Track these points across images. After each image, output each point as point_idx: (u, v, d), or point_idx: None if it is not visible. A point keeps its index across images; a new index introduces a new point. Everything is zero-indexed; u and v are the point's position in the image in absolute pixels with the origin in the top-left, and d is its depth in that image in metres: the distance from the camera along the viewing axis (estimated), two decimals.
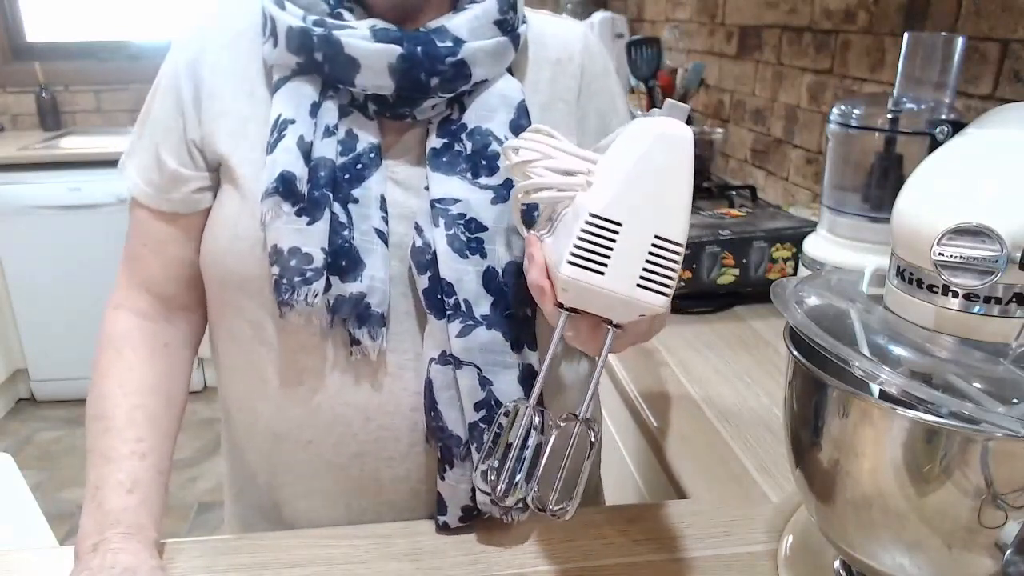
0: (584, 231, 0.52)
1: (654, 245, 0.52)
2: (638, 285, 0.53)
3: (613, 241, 0.52)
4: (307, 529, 0.73)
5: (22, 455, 2.57)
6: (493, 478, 0.57)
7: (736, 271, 1.24)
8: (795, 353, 0.56)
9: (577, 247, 0.52)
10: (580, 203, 0.54)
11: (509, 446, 0.57)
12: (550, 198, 0.59)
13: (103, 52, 3.11)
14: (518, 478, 0.57)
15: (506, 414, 0.60)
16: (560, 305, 0.56)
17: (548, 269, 0.56)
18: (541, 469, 0.56)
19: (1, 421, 2.79)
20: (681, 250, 0.53)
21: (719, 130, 1.97)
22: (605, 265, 0.52)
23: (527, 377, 0.68)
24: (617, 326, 0.56)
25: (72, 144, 2.84)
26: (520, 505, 0.69)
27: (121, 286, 0.76)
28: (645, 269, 0.52)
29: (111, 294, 0.77)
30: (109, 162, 2.61)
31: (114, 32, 3.13)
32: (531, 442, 0.57)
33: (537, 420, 0.58)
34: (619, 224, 0.52)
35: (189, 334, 0.78)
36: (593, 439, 0.58)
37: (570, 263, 0.52)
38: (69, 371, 2.81)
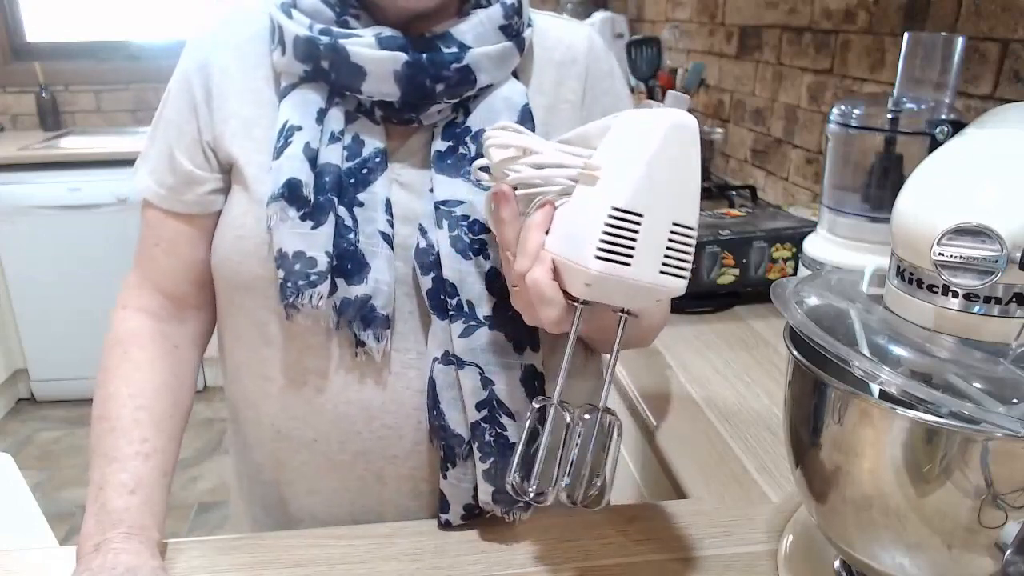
0: (609, 225, 0.52)
1: (672, 232, 0.54)
2: (661, 272, 0.54)
3: (636, 232, 0.53)
4: (307, 529, 0.73)
5: (22, 455, 2.57)
6: (518, 480, 0.57)
7: (736, 271, 1.24)
8: (795, 353, 0.56)
9: (604, 241, 0.52)
10: (592, 198, 0.54)
11: (537, 447, 0.58)
12: (524, 195, 0.59)
13: (103, 52, 3.11)
14: (554, 478, 0.57)
15: (538, 418, 0.59)
16: (574, 300, 0.57)
17: (556, 268, 0.56)
18: (572, 463, 0.57)
19: (1, 421, 2.79)
20: (695, 233, 0.55)
21: (719, 130, 1.97)
22: (631, 256, 0.53)
23: (529, 378, 0.68)
24: (630, 313, 0.58)
25: (72, 144, 2.83)
26: (522, 504, 0.69)
27: (132, 286, 0.76)
28: (666, 255, 0.54)
29: (120, 294, 0.77)
30: (109, 162, 2.61)
31: (114, 32, 3.12)
32: (563, 438, 0.58)
33: (567, 417, 0.58)
34: (641, 215, 0.53)
35: (198, 334, 0.78)
36: (618, 428, 0.59)
37: (599, 258, 0.53)
38: (69, 371, 2.81)
